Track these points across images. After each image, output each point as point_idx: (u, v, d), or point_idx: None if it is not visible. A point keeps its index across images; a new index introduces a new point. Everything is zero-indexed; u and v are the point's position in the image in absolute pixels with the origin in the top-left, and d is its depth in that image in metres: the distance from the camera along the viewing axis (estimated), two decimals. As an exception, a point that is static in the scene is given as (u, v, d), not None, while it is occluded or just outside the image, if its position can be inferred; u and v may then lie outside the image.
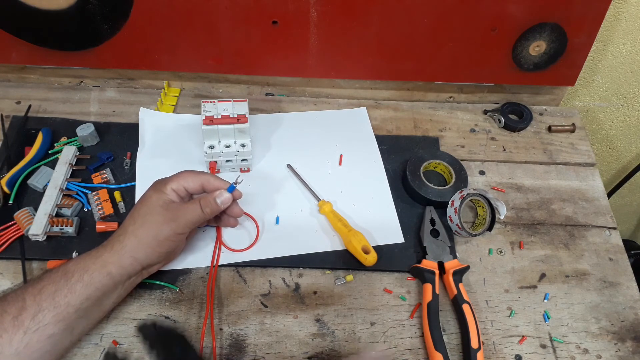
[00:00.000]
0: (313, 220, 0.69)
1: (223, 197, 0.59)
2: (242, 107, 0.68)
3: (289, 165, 0.74)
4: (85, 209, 0.67)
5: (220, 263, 0.64)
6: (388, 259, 0.65)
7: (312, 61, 0.77)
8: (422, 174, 0.72)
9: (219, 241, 0.65)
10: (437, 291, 0.61)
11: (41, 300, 0.50)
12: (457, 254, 0.66)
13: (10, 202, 0.66)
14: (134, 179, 0.71)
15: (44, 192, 0.66)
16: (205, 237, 0.66)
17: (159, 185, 0.58)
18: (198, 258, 0.64)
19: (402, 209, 0.71)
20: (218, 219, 0.64)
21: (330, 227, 0.68)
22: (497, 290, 0.65)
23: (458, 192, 0.68)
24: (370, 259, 0.63)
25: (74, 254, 0.62)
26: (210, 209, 0.58)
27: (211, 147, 0.69)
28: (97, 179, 0.70)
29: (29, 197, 0.68)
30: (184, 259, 0.64)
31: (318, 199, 0.70)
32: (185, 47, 0.75)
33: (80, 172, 0.71)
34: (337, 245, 0.66)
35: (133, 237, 0.54)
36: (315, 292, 0.63)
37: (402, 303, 0.63)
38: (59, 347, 0.51)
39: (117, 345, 0.57)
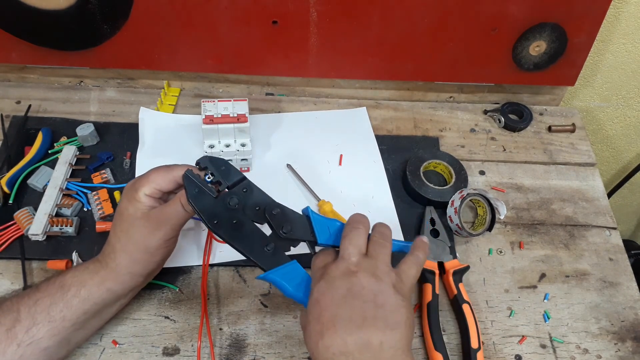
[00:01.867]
0: (313, 220, 0.68)
1: None
2: (242, 107, 0.68)
3: (288, 165, 0.74)
4: (85, 209, 0.67)
5: (218, 262, 0.64)
6: (388, 258, 0.65)
7: (312, 61, 0.77)
8: (422, 174, 0.72)
9: (210, 237, 0.65)
10: (437, 291, 0.61)
11: (36, 313, 0.49)
12: (457, 254, 0.66)
13: (10, 202, 0.66)
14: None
15: (44, 191, 0.66)
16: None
17: (131, 192, 0.52)
18: (197, 256, 0.64)
19: (402, 209, 0.71)
20: None
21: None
22: (497, 290, 0.65)
23: (458, 192, 0.68)
24: (370, 258, 0.63)
25: (74, 254, 0.62)
26: None
27: (211, 147, 0.69)
28: (97, 178, 0.70)
29: (29, 197, 0.68)
30: (184, 257, 0.64)
31: (318, 199, 0.70)
32: (185, 47, 0.75)
33: (80, 172, 0.70)
34: (337, 245, 0.66)
35: (124, 255, 0.52)
36: (315, 292, 0.63)
37: (402, 303, 0.62)
38: (55, 358, 0.51)
39: (117, 345, 0.57)
